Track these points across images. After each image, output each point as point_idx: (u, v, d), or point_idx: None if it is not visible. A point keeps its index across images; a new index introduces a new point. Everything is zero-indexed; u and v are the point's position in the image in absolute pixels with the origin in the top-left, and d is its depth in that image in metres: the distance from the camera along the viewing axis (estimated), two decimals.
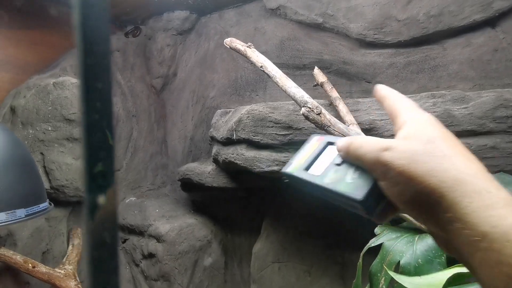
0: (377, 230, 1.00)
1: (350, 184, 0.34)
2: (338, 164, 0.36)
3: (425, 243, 0.85)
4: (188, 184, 2.19)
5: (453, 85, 1.48)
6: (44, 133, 1.93)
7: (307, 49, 1.94)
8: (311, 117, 1.15)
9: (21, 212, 1.06)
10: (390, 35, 1.59)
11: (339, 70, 1.83)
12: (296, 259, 1.99)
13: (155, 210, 2.36)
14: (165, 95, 2.72)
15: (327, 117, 1.13)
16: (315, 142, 0.41)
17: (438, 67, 1.52)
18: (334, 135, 1.05)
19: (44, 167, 1.94)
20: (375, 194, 0.32)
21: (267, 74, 1.34)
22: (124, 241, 2.31)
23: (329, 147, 0.39)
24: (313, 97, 1.56)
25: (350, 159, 0.35)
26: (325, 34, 1.86)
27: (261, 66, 1.34)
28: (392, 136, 1.14)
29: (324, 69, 1.88)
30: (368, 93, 1.72)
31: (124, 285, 2.24)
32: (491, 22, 1.40)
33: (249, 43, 1.43)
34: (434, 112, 1.19)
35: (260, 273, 2.06)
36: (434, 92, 1.28)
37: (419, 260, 0.81)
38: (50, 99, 1.92)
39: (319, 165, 0.38)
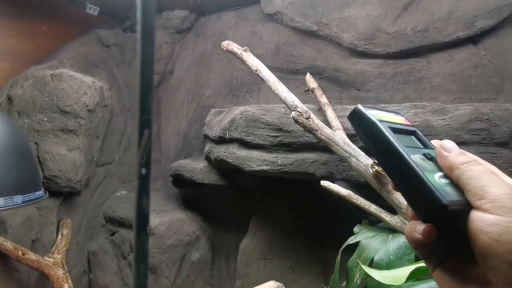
0: (356, 229, 1.08)
1: (439, 183, 0.31)
2: (428, 157, 0.34)
3: (397, 242, 0.93)
4: (179, 180, 2.24)
5: (435, 97, 1.57)
6: (40, 124, 1.96)
7: (301, 54, 2.01)
8: (300, 120, 1.22)
9: (18, 199, 1.10)
10: (379, 46, 1.67)
11: (331, 77, 1.90)
12: (282, 256, 2.05)
13: None
14: (161, 91, 2.76)
15: (315, 121, 1.21)
16: (400, 118, 0.39)
17: (423, 79, 1.60)
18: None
19: (38, 157, 1.97)
20: (456, 216, 0.29)
21: (261, 78, 1.40)
22: (113, 233, 2.33)
23: (416, 135, 0.37)
24: (304, 102, 1.64)
25: (449, 173, 0.32)
26: (319, 41, 1.94)
27: (256, 70, 1.41)
28: None
29: (316, 75, 1.96)
30: (357, 100, 1.80)
31: (111, 277, 2.26)
32: (473, 39, 1.49)
33: (245, 47, 1.49)
34: (414, 121, 1.27)
35: (246, 269, 2.13)
36: (416, 103, 1.36)
37: (391, 256, 0.89)
38: (47, 90, 1.94)
39: (402, 139, 0.35)
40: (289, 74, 2.09)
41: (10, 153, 1.12)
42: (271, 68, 2.14)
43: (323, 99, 1.45)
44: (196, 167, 2.08)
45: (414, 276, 0.68)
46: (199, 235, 2.33)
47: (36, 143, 1.95)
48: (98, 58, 2.37)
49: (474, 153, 1.18)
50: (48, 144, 1.95)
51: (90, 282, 2.33)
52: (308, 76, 1.61)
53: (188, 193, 2.45)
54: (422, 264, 0.69)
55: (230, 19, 2.36)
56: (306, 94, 1.82)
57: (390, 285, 0.79)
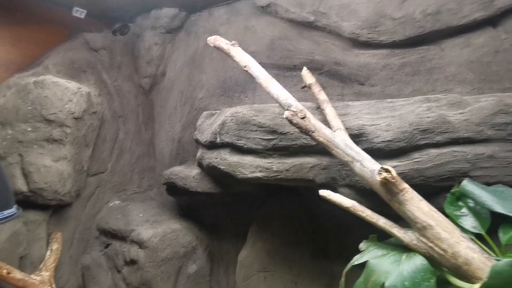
0: (361, 246, 0.91)
1: None
2: None
3: (412, 264, 0.76)
4: (173, 188, 2.10)
5: (450, 88, 1.39)
6: (23, 134, 1.85)
7: (298, 49, 1.85)
8: (294, 121, 1.06)
9: None
10: (384, 35, 1.50)
11: (331, 71, 1.74)
12: (283, 268, 1.89)
13: (139, 215, 2.27)
14: (153, 95, 2.63)
15: (312, 121, 1.04)
16: None
17: (435, 69, 1.43)
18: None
19: (23, 169, 1.86)
20: None
21: (251, 75, 1.24)
22: (107, 246, 2.23)
23: None
24: (302, 100, 1.47)
25: None
26: (317, 33, 1.77)
27: (245, 66, 1.25)
28: (382, 143, 1.03)
29: (315, 70, 1.79)
30: (361, 95, 1.63)
31: None
32: (492, 21, 1.32)
33: (233, 41, 1.34)
34: (428, 117, 1.10)
35: (245, 282, 1.97)
36: (429, 96, 1.19)
37: (406, 283, 0.72)
38: (30, 99, 1.84)
39: None
40: (286, 70, 1.93)
41: None
42: (266, 65, 1.98)
43: (322, 96, 1.28)
44: (189, 175, 1.93)
45: None
46: (195, 246, 2.18)
47: (20, 154, 1.84)
48: (85, 63, 2.25)
49: (499, 151, 0.99)
50: (32, 155, 1.84)
51: None
52: (305, 71, 1.45)
53: (184, 201, 2.31)
54: None
55: (222, 14, 2.21)
56: (304, 92, 1.66)
57: None
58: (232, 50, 1.29)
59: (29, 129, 1.86)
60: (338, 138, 0.98)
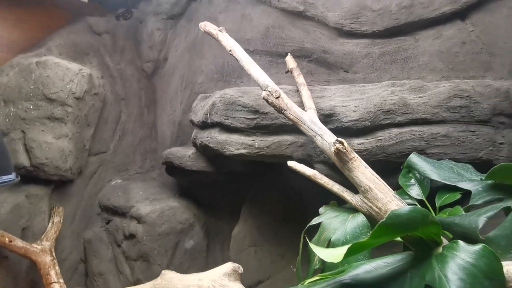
0: (321, 210, 1.05)
1: None
2: None
3: (355, 221, 0.89)
4: (171, 168, 2.25)
5: (422, 76, 1.49)
6: (26, 112, 1.95)
7: (290, 37, 1.95)
8: (270, 100, 1.19)
9: None
10: (365, 25, 1.60)
11: (319, 59, 1.84)
12: (271, 243, 2.04)
13: (139, 193, 2.39)
14: (155, 79, 2.77)
15: (285, 101, 1.17)
16: None
17: (410, 58, 1.53)
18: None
19: (25, 145, 1.96)
20: None
21: (235, 58, 1.37)
22: (108, 222, 2.34)
23: None
24: (288, 84, 1.59)
25: None
26: (307, 22, 1.87)
27: (230, 50, 1.38)
28: (349, 122, 1.18)
29: (305, 57, 1.90)
30: (345, 82, 1.74)
31: (106, 265, 2.27)
32: (461, 15, 1.41)
33: (221, 28, 1.46)
34: (391, 100, 1.21)
35: (237, 256, 2.12)
36: (395, 81, 1.30)
37: (347, 236, 0.86)
38: (32, 78, 1.95)
39: None
40: (279, 57, 2.04)
41: None
42: (260, 52, 2.11)
43: (300, 79, 1.41)
44: (185, 154, 2.08)
45: (352, 253, 0.64)
46: (192, 223, 2.31)
47: (22, 131, 1.95)
48: (88, 46, 2.37)
49: (453, 131, 1.11)
50: (34, 132, 1.94)
51: (86, 270, 2.34)
52: (288, 57, 1.57)
53: (183, 182, 2.45)
54: (361, 240, 0.65)
55: (221, 2, 2.32)
56: (290, 76, 1.77)
57: (355, 261, 0.77)
58: (219, 35, 1.42)
59: (31, 107, 1.96)
60: (306, 115, 1.11)
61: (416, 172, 1.00)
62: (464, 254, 0.62)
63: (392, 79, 1.59)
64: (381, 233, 0.63)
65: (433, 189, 0.97)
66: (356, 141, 1.23)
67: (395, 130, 1.19)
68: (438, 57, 1.45)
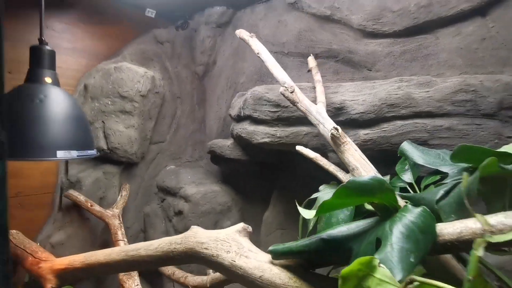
0: (321, 187, 1.22)
1: None
2: None
3: None
4: (214, 156, 2.57)
5: (441, 72, 1.54)
6: (105, 106, 2.46)
7: (320, 39, 2.12)
8: (285, 94, 1.39)
9: (74, 153, 1.51)
10: (386, 26, 1.70)
11: (345, 59, 1.98)
12: (295, 226, 2.21)
13: (188, 177, 2.79)
14: (206, 81, 3.13)
15: (298, 95, 1.36)
16: None
17: (430, 55, 1.59)
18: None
19: (104, 132, 2.48)
20: None
21: (262, 59, 1.60)
22: (163, 200, 2.78)
23: None
24: (309, 81, 1.76)
25: None
26: (335, 25, 2.02)
27: (258, 53, 1.61)
28: (356, 114, 1.39)
29: (332, 58, 2.05)
30: (368, 79, 1.85)
31: (160, 236, 2.69)
32: (481, 11, 1.43)
33: (252, 34, 1.71)
34: (396, 94, 1.32)
35: (266, 238, 2.35)
36: (404, 77, 1.39)
37: None
38: (111, 80, 2.45)
39: None
40: None
41: (68, 120, 1.53)
42: (294, 54, 2.31)
43: (317, 77, 1.58)
44: (224, 144, 2.37)
45: (322, 211, 0.83)
46: (230, 206, 2.61)
47: (103, 121, 2.46)
48: (153, 53, 2.83)
49: (458, 124, 1.24)
50: (111, 122, 2.44)
51: (144, 239, 2.81)
52: (310, 58, 1.74)
53: (225, 169, 2.76)
54: (327, 199, 0.83)
55: (261, 10, 2.57)
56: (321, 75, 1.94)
57: (336, 225, 0.95)
58: (250, 40, 1.66)
59: (109, 102, 2.42)
60: (313, 107, 1.29)
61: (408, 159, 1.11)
62: (410, 215, 0.76)
63: (412, 76, 1.66)
64: (342, 195, 0.80)
65: (428, 174, 1.07)
66: (362, 132, 1.36)
67: (399, 122, 1.30)
68: (458, 53, 1.49)
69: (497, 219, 0.64)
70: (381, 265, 0.67)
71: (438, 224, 0.73)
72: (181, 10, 2.82)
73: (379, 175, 1.01)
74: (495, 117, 1.20)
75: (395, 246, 0.73)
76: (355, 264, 0.65)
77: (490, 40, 1.40)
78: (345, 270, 0.65)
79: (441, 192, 0.82)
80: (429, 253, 0.72)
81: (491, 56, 1.39)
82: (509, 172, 0.73)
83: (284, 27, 2.36)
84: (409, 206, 0.78)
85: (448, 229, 0.70)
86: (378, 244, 0.79)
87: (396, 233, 0.75)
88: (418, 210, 0.75)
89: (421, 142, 1.26)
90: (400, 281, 0.65)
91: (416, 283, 0.61)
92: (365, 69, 1.87)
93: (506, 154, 0.77)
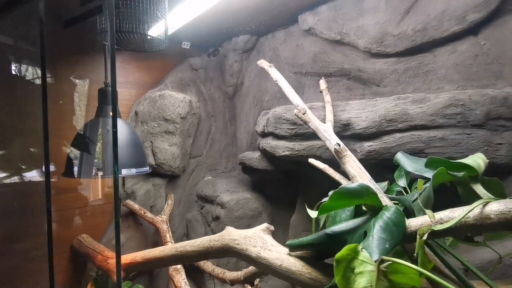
0: (330, 193, 1.46)
1: None
2: None
3: None
4: (244, 168, 2.88)
5: (441, 86, 1.72)
6: (153, 128, 2.91)
7: (333, 60, 2.36)
8: (299, 115, 1.67)
9: (133, 170, 1.89)
10: (389, 47, 1.91)
11: (356, 77, 2.20)
12: None
13: (223, 186, 3.12)
14: (235, 100, 3.48)
15: (309, 116, 1.63)
16: None
17: (430, 71, 1.77)
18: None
19: (152, 150, 2.91)
20: None
21: (279, 86, 1.89)
22: (202, 207, 3.13)
23: None
24: (333, 100, 2.02)
25: None
26: (345, 47, 2.26)
27: (276, 80, 1.91)
28: (360, 129, 1.71)
29: (344, 76, 2.28)
30: (377, 95, 2.06)
31: None
32: (472, 31, 1.60)
33: (271, 64, 2.00)
34: (393, 111, 1.53)
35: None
36: (401, 95, 1.60)
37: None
38: (156, 106, 2.88)
39: None
40: (324, 77, 2.46)
41: (129, 145, 1.93)
42: (310, 73, 2.58)
43: (327, 98, 1.83)
44: (253, 156, 2.68)
45: (322, 212, 1.09)
46: (261, 211, 2.90)
47: (151, 141, 2.89)
48: (189, 79, 3.24)
49: (450, 134, 1.47)
50: (157, 141, 2.87)
51: None
52: (321, 81, 2.00)
53: (254, 178, 3.06)
54: (324, 202, 1.10)
55: (281, 36, 2.87)
56: (336, 93, 2.18)
57: (339, 222, 1.21)
58: (269, 70, 1.96)
59: (156, 125, 2.87)
60: (321, 126, 1.55)
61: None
62: (387, 213, 0.99)
63: (415, 90, 1.85)
64: (336, 199, 1.05)
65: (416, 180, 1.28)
66: (367, 144, 1.59)
67: (397, 135, 1.50)
68: (454, 69, 1.66)
69: (445, 213, 0.86)
70: (363, 250, 0.93)
71: (408, 219, 0.96)
72: (212, 40, 3.21)
73: (368, 183, 1.24)
74: (483, 126, 1.37)
75: (375, 236, 0.97)
76: (344, 250, 0.91)
77: (483, 56, 1.56)
78: (338, 254, 0.90)
79: (416, 195, 1.04)
80: (402, 241, 0.95)
81: (485, 71, 1.55)
82: (459, 178, 0.94)
83: (301, 50, 2.63)
84: (388, 206, 1.01)
85: (414, 222, 0.93)
86: (365, 236, 1.03)
87: (377, 226, 0.99)
88: (393, 209, 0.99)
89: (418, 152, 1.46)
90: (375, 261, 0.89)
91: (388, 263, 0.86)
92: (374, 85, 2.09)
93: (461, 164, 0.98)
